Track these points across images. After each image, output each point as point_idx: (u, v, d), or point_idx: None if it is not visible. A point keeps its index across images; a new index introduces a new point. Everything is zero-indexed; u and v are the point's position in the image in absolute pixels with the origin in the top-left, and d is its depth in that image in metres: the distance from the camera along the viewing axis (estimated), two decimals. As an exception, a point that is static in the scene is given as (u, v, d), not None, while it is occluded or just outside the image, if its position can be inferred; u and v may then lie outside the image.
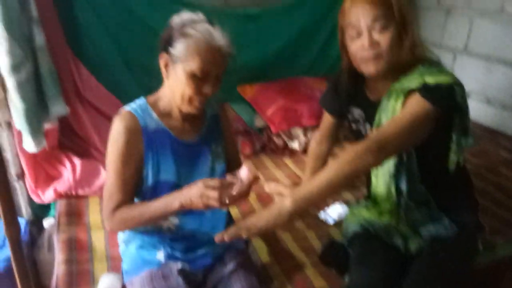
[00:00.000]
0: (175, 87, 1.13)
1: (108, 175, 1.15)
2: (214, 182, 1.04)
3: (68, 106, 1.83)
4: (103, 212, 1.16)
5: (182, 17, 1.12)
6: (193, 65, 1.08)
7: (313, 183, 1.07)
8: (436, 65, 1.25)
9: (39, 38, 1.65)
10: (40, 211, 1.90)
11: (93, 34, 2.08)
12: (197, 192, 1.04)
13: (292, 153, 2.27)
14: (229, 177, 1.07)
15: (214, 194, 1.02)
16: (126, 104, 1.21)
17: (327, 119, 1.58)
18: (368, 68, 1.22)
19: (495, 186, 1.96)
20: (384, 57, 1.19)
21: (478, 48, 2.62)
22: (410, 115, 1.12)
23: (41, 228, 1.84)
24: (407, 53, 1.20)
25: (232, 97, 2.56)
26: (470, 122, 1.23)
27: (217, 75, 1.13)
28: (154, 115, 1.18)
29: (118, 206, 1.13)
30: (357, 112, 1.41)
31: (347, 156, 1.07)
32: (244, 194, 1.07)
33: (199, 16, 1.12)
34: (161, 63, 1.14)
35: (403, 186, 1.29)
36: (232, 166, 1.33)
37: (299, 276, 1.40)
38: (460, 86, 1.16)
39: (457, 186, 1.36)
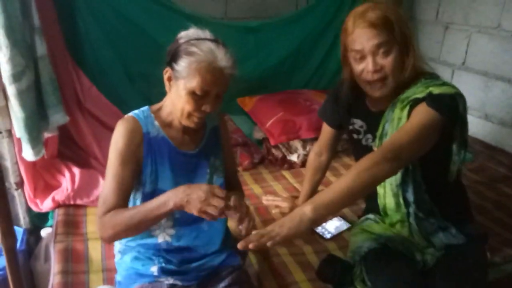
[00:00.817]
0: (176, 101, 1.14)
1: (106, 180, 1.14)
2: (220, 191, 1.04)
3: (68, 116, 1.84)
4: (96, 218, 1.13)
5: (188, 33, 1.12)
6: (194, 83, 1.08)
7: (332, 190, 1.07)
8: (436, 78, 1.28)
9: (41, 47, 1.66)
10: (38, 220, 1.89)
11: (94, 44, 2.10)
12: (200, 196, 1.02)
13: (290, 165, 2.26)
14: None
15: (218, 202, 1.02)
16: (126, 114, 1.21)
17: (327, 130, 1.59)
18: (373, 92, 1.26)
19: (494, 204, 1.93)
20: (388, 80, 1.22)
21: (476, 64, 2.64)
22: (418, 124, 1.14)
23: (38, 237, 1.82)
24: (410, 71, 1.23)
25: (231, 109, 2.58)
26: (469, 137, 1.24)
27: (217, 94, 1.13)
28: (156, 123, 1.20)
29: (109, 211, 1.09)
30: (358, 123, 1.42)
31: (364, 164, 1.08)
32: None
33: (206, 33, 1.12)
34: (165, 77, 1.15)
35: (410, 196, 1.29)
36: (229, 182, 1.33)
37: (296, 291, 1.38)
38: (462, 97, 1.20)
39: (456, 197, 1.38)
